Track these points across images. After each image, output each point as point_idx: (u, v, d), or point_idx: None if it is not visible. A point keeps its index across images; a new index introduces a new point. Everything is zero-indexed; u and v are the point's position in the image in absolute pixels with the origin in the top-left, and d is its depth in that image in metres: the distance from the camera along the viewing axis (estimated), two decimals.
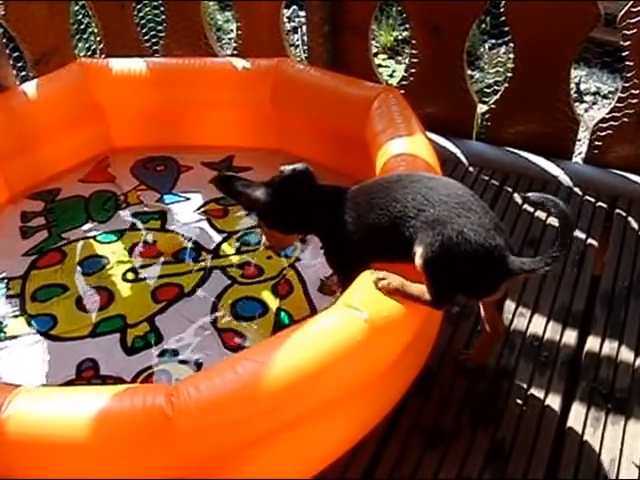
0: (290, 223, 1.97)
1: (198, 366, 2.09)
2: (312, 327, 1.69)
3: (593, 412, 1.93)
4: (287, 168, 2.00)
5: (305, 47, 3.58)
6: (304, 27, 3.55)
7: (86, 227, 2.64)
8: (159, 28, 3.86)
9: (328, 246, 2.01)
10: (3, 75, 2.83)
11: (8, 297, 2.35)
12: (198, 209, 2.70)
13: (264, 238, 2.09)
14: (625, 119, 2.70)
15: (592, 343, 2.13)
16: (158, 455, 1.54)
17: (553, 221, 2.56)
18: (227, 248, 2.52)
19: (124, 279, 2.41)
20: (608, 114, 2.74)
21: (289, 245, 2.23)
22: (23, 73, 3.42)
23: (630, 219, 2.58)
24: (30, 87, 2.79)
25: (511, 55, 2.96)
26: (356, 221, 1.85)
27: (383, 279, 1.74)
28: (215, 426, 1.54)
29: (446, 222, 1.68)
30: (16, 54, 3.31)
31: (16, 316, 2.29)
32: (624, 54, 2.64)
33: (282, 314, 2.25)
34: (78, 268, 2.45)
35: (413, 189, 1.77)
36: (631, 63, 2.62)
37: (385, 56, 4.60)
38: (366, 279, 1.79)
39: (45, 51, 3.26)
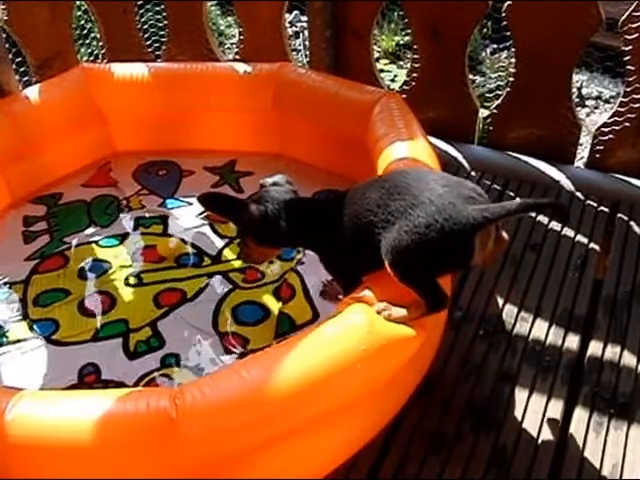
0: (283, 237, 1.96)
1: (200, 371, 2.08)
2: (318, 335, 1.69)
3: (595, 417, 1.93)
4: (267, 181, 2.00)
5: (307, 52, 3.59)
6: (306, 32, 3.56)
7: (88, 232, 2.64)
8: (161, 33, 3.86)
9: (321, 254, 2.01)
10: (6, 80, 2.84)
11: (10, 302, 2.35)
12: (200, 214, 2.70)
13: (243, 252, 2.06)
14: (627, 124, 2.70)
15: (594, 348, 2.13)
16: (162, 458, 1.54)
17: (555, 226, 2.57)
18: (229, 253, 2.52)
19: (126, 284, 2.41)
20: (610, 118, 2.75)
21: (270, 258, 2.20)
22: (26, 78, 3.43)
23: (632, 223, 2.58)
24: (32, 92, 2.80)
25: (513, 60, 2.97)
26: (341, 231, 1.85)
27: (384, 310, 1.73)
28: (219, 430, 1.54)
29: (396, 220, 1.67)
30: (19, 59, 3.32)
31: (18, 321, 2.28)
32: (626, 58, 2.64)
33: (284, 318, 2.25)
34: (80, 273, 2.46)
35: (370, 194, 1.77)
36: (633, 67, 2.62)
37: (387, 61, 4.60)
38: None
39: (48, 56, 3.27)
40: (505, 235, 1.83)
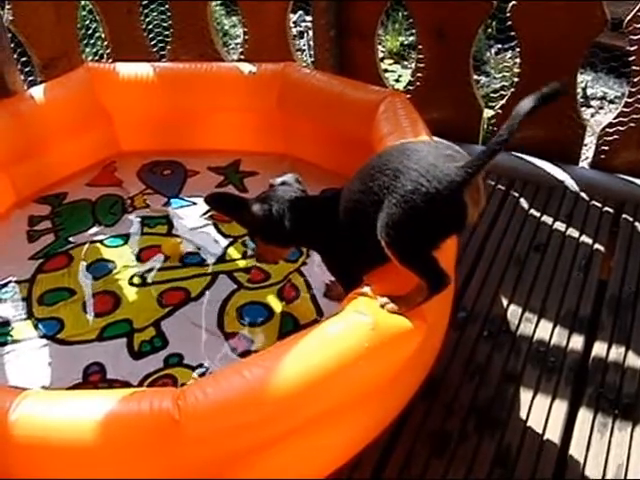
0: (288, 236, 1.97)
1: (204, 370, 2.08)
2: (320, 333, 1.68)
3: (600, 418, 1.93)
4: (277, 181, 2.01)
5: (311, 52, 3.59)
6: (310, 32, 3.56)
7: (93, 231, 2.65)
8: (166, 33, 3.87)
9: (323, 254, 2.02)
10: (11, 79, 2.84)
11: (15, 300, 2.36)
12: (204, 214, 2.70)
13: (256, 252, 2.09)
14: (632, 124, 2.70)
15: (599, 348, 2.12)
16: (165, 458, 1.54)
17: (559, 226, 2.56)
18: (233, 253, 2.52)
19: (130, 283, 2.41)
20: (615, 119, 2.74)
21: (283, 258, 2.22)
22: (31, 78, 3.44)
23: (637, 224, 2.57)
24: (37, 91, 2.80)
25: (517, 60, 2.96)
26: (340, 225, 1.85)
27: (388, 303, 1.73)
28: (222, 430, 1.54)
29: (384, 197, 1.66)
30: (24, 59, 3.33)
31: (23, 319, 2.29)
32: (631, 59, 2.64)
33: (288, 318, 2.25)
34: (85, 272, 2.46)
35: (357, 180, 1.78)
36: (638, 68, 2.62)
37: (391, 61, 4.60)
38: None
39: (53, 56, 3.28)
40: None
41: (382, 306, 1.73)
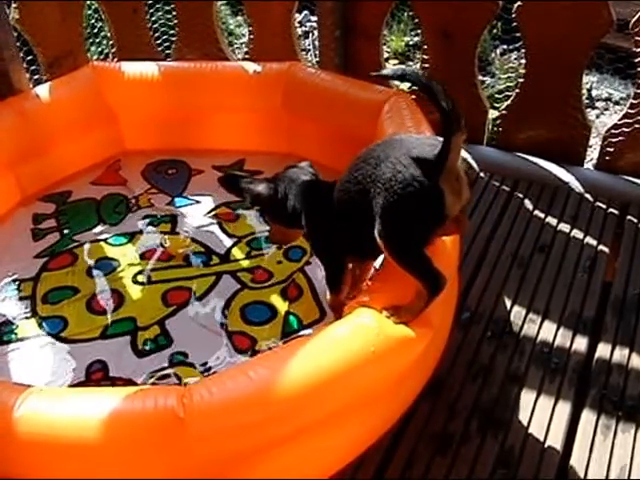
0: (289, 217, 1.99)
1: (208, 370, 2.09)
2: (326, 336, 1.69)
3: (603, 419, 1.92)
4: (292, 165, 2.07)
5: (316, 51, 3.59)
6: (315, 31, 3.56)
7: (97, 229, 2.66)
8: (171, 32, 3.87)
9: (314, 239, 2.03)
10: (17, 78, 2.86)
11: (19, 299, 2.37)
12: (209, 213, 2.71)
13: (270, 232, 2.14)
14: (637, 125, 2.69)
15: (603, 350, 2.12)
16: (169, 457, 1.54)
17: (564, 227, 2.56)
18: (237, 252, 2.52)
19: (135, 282, 2.41)
20: (620, 120, 2.74)
21: (294, 240, 2.23)
22: (36, 76, 3.44)
23: None
24: (43, 90, 2.81)
25: (522, 61, 2.96)
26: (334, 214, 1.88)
27: (392, 315, 1.74)
28: (226, 429, 1.54)
29: (370, 187, 1.69)
30: (29, 57, 3.33)
31: (27, 318, 2.30)
32: (636, 60, 2.63)
33: (291, 318, 2.25)
34: (90, 271, 2.47)
35: (347, 172, 1.82)
36: None
37: (396, 61, 4.59)
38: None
39: (58, 54, 3.28)
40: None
41: (387, 318, 1.74)
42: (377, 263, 2.15)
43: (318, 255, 2.08)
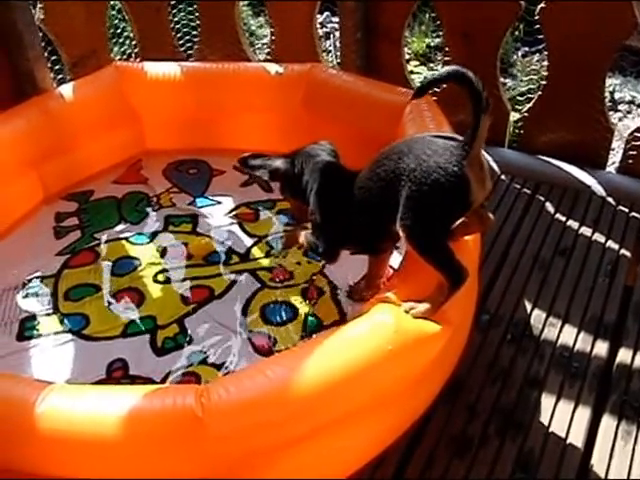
0: (303, 191, 2.01)
1: (227, 369, 2.10)
2: (343, 334, 1.69)
3: (624, 425, 1.91)
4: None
5: (338, 53, 3.59)
6: (337, 33, 3.56)
7: (119, 228, 2.68)
8: (193, 33, 3.89)
9: (320, 217, 2.03)
10: (41, 77, 2.89)
11: (41, 295, 2.39)
12: (229, 213, 2.72)
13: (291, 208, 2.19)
14: None
15: (624, 355, 2.10)
16: (187, 455, 1.55)
17: (585, 231, 2.54)
18: (257, 252, 2.53)
19: (155, 280, 2.43)
20: None
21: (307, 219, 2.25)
22: (60, 76, 3.47)
23: None
24: (67, 89, 2.84)
25: (545, 63, 2.95)
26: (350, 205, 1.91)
27: (412, 308, 1.74)
28: (244, 428, 1.55)
29: (393, 182, 1.72)
30: (54, 57, 3.37)
31: (49, 314, 2.32)
32: None
33: (311, 318, 2.25)
34: (111, 269, 2.48)
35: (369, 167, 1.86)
36: None
37: (417, 63, 4.59)
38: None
39: (82, 54, 3.32)
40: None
41: (406, 311, 1.73)
42: (396, 264, 2.15)
43: (314, 233, 2.07)
